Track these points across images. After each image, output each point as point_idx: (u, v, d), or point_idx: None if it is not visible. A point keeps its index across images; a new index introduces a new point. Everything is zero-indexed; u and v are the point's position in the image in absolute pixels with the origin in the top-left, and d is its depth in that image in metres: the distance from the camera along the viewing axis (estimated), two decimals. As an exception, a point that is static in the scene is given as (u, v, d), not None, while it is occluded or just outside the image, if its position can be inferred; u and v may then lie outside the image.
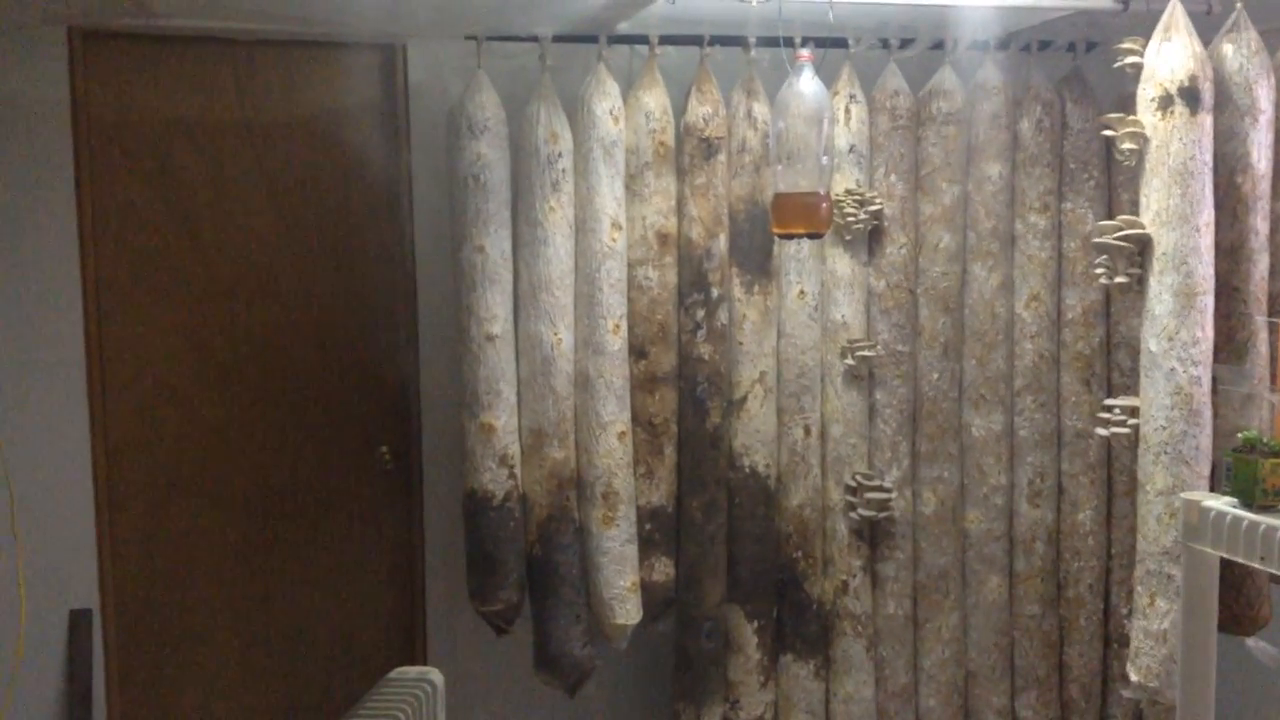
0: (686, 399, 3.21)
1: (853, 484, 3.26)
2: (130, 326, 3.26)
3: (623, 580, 3.14)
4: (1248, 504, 2.26)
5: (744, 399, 3.22)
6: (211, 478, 3.36)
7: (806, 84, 2.55)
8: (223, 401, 3.35)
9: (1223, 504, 2.28)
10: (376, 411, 3.48)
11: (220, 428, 3.36)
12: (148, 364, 3.28)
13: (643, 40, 3.13)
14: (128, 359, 3.26)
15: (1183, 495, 2.42)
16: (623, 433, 3.14)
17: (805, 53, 2.51)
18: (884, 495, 3.23)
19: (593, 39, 3.10)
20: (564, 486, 3.12)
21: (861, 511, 3.23)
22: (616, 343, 3.12)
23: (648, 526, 3.19)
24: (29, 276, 3.14)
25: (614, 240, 3.11)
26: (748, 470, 3.23)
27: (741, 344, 3.22)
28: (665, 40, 3.14)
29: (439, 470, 3.46)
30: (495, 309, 3.08)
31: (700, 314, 3.18)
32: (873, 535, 3.32)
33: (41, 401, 3.16)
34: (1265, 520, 2.19)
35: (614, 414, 3.12)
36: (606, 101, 3.08)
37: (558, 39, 3.10)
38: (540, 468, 3.11)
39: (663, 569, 3.22)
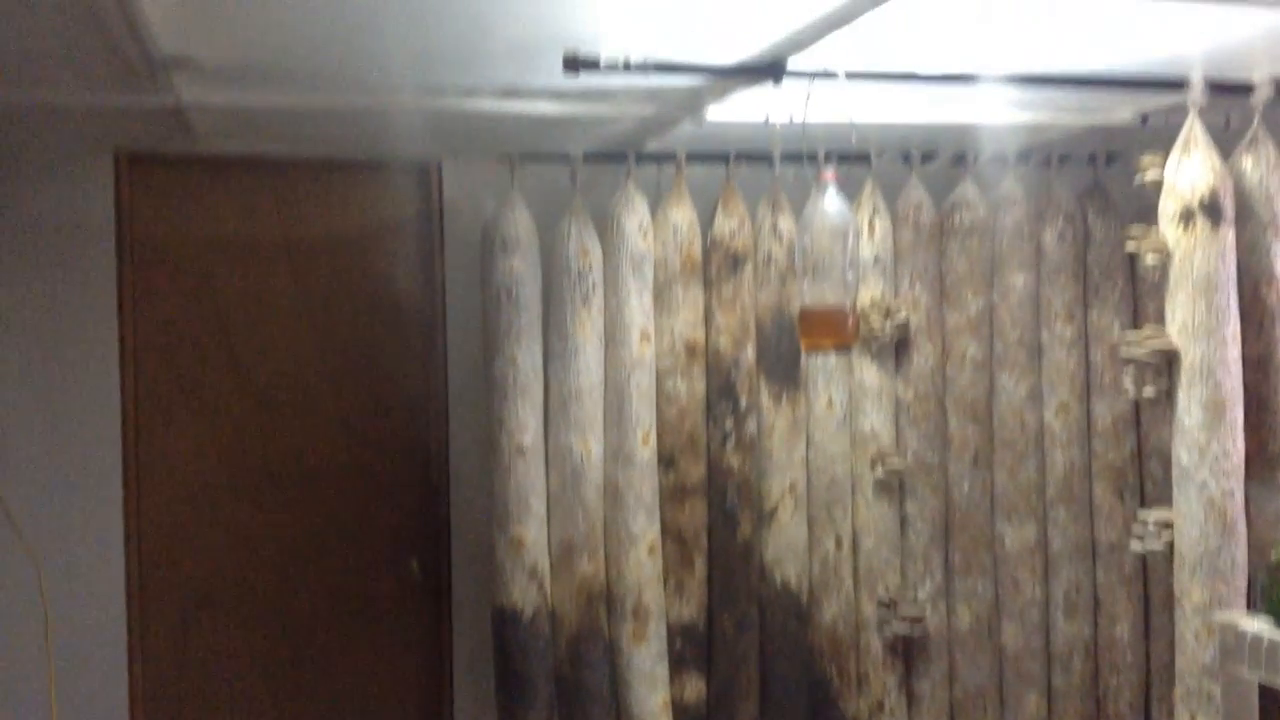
0: (716, 510, 3.20)
1: (886, 598, 3.22)
2: (167, 441, 3.31)
3: (654, 699, 3.10)
4: (1285, 624, 2.22)
5: (774, 510, 3.21)
6: (243, 592, 3.37)
7: (830, 202, 2.59)
8: (255, 515, 3.38)
9: (1259, 626, 2.24)
10: (407, 525, 3.49)
11: (252, 541, 3.38)
12: (183, 478, 3.32)
13: (670, 158, 3.21)
14: (164, 473, 3.30)
15: (1218, 617, 2.38)
16: (653, 546, 3.13)
17: (829, 172, 2.56)
18: (918, 610, 3.19)
19: (622, 157, 3.18)
20: (594, 601, 3.11)
21: (896, 627, 3.19)
22: (646, 453, 3.13)
23: (679, 643, 3.16)
24: (70, 393, 3.21)
25: (643, 351, 3.15)
26: (779, 584, 3.20)
27: (771, 454, 3.22)
28: (692, 158, 3.22)
29: (468, 584, 3.45)
30: (526, 420, 3.11)
31: (729, 424, 3.19)
32: (907, 651, 3.27)
33: (78, 518, 3.20)
34: (1304, 642, 2.15)
35: (644, 526, 3.12)
36: (635, 217, 3.15)
37: (588, 158, 3.18)
38: (570, 582, 3.10)
39: (694, 687, 3.18)
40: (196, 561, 3.33)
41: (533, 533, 3.09)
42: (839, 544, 3.24)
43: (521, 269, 3.11)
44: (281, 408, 3.41)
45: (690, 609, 3.18)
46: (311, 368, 3.43)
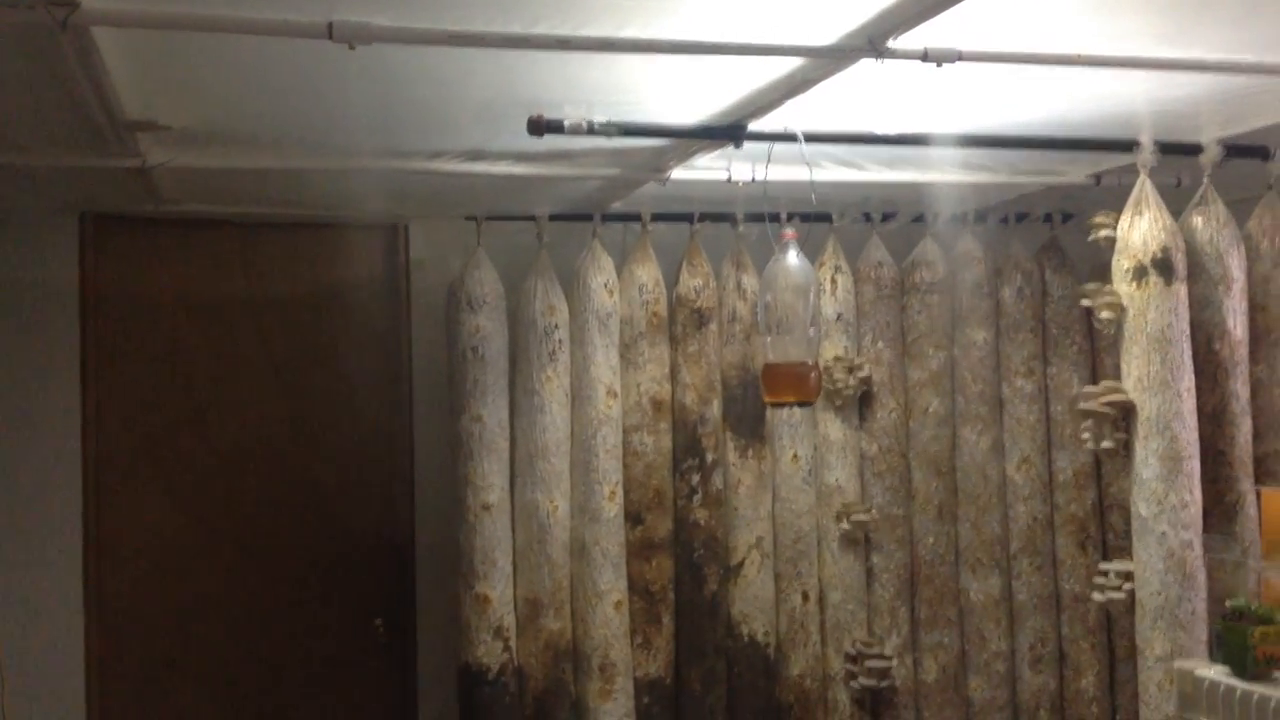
0: (683, 566, 3.21)
1: (853, 652, 3.23)
2: (129, 502, 3.28)
3: (621, 756, 3.08)
4: (1240, 673, 2.24)
5: (741, 565, 3.22)
6: (206, 654, 3.33)
7: (791, 260, 2.63)
8: (218, 576, 3.35)
9: (1215, 673, 2.26)
10: (372, 584, 3.46)
11: (215, 603, 3.34)
12: (145, 539, 3.29)
13: (635, 218, 3.25)
14: (125, 535, 3.27)
15: (1176, 665, 2.40)
16: (619, 602, 3.13)
17: (789, 231, 2.60)
18: (885, 663, 3.20)
19: (588, 217, 3.22)
20: (560, 658, 3.09)
21: (863, 680, 3.19)
22: (613, 509, 3.14)
23: (645, 699, 3.15)
24: (30, 454, 3.18)
25: (609, 407, 3.16)
26: (746, 639, 3.20)
27: (737, 508, 3.23)
28: (657, 217, 3.26)
29: (434, 642, 3.42)
30: (492, 478, 3.11)
31: (695, 479, 3.21)
32: (875, 705, 3.27)
33: (37, 581, 3.16)
34: (1258, 690, 2.17)
35: (610, 582, 3.12)
36: (601, 275, 3.18)
37: (554, 218, 3.22)
38: (536, 639, 3.09)
39: (661, 745, 3.16)
40: (158, 624, 3.28)
41: (498, 590, 3.08)
42: (806, 598, 3.25)
43: (487, 327, 3.13)
44: (246, 468, 3.38)
45: (657, 665, 3.17)
46: (277, 427, 3.42)
